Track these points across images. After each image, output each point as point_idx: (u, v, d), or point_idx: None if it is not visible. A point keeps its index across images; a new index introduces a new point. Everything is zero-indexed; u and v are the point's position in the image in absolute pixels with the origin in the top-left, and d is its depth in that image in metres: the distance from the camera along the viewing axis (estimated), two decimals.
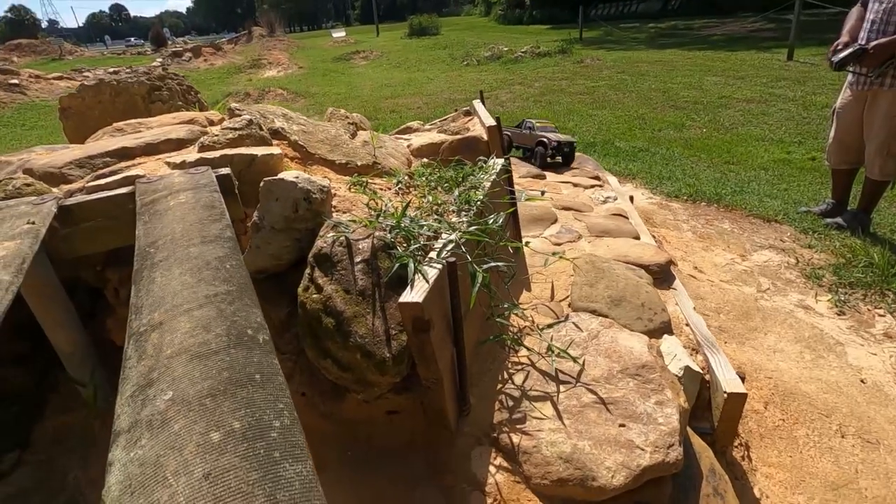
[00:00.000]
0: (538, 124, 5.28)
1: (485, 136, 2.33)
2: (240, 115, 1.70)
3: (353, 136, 2.09)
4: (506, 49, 15.31)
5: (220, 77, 16.84)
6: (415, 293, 0.99)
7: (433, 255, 1.12)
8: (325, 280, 1.20)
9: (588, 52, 14.89)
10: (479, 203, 1.36)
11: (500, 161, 1.64)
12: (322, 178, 1.61)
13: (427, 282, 1.02)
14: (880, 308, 2.86)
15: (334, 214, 1.40)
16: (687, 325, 1.52)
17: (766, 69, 11.06)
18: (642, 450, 1.02)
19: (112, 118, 2.02)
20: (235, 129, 1.64)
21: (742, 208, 4.16)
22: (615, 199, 2.75)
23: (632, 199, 3.06)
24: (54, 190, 1.44)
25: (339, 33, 27.16)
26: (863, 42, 3.48)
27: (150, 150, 1.73)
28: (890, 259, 3.17)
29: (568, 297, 1.53)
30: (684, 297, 1.69)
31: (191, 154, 1.61)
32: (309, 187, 1.34)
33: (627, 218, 2.35)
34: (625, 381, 1.14)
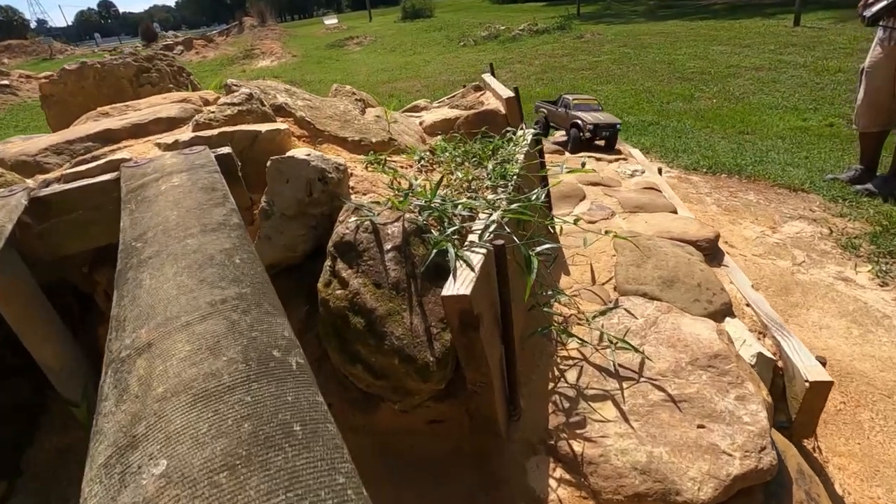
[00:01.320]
0: (575, 101, 4.31)
1: (502, 109, 2.15)
2: (238, 90, 1.52)
3: (363, 112, 1.91)
4: (503, 28, 14.95)
5: (213, 69, 16.52)
6: (460, 284, 0.83)
7: (473, 237, 0.96)
8: (350, 273, 1.04)
9: (587, 27, 14.53)
10: (515, 177, 1.20)
11: (531, 132, 1.47)
12: (334, 155, 1.45)
13: (472, 270, 0.86)
14: None
15: (353, 197, 1.24)
16: (748, 305, 1.36)
17: (773, 36, 10.73)
18: (730, 455, 0.87)
19: (97, 104, 1.84)
20: (234, 104, 1.45)
21: (765, 178, 3.97)
22: (643, 172, 2.57)
23: (660, 171, 2.88)
24: (28, 181, 1.27)
25: (331, 20, 26.66)
26: None
27: (138, 131, 1.56)
28: None
29: (612, 279, 1.37)
30: (739, 274, 1.53)
31: (185, 133, 1.40)
32: (323, 165, 1.18)
33: (660, 191, 2.18)
34: (696, 374, 0.99)
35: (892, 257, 2.84)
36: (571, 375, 1.07)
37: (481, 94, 2.66)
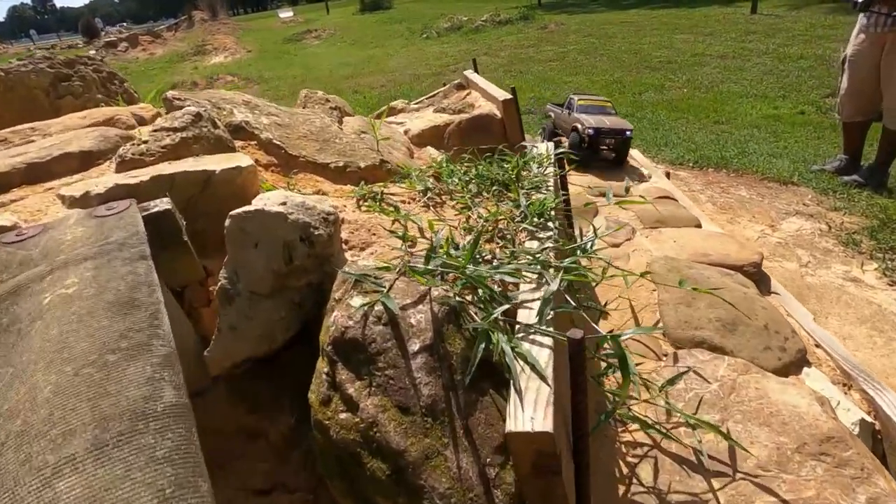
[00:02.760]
0: (580, 102, 3.37)
1: (497, 113, 1.89)
2: (182, 107, 1.17)
3: (340, 124, 1.62)
4: (465, 19, 14.67)
5: (162, 67, 15.60)
6: (532, 410, 0.55)
7: (524, 315, 0.70)
8: (359, 387, 0.73)
9: (550, 16, 14.43)
10: (551, 212, 0.95)
11: (550, 145, 1.23)
12: (314, 191, 1.14)
13: (544, 380, 0.59)
14: None
15: (348, 255, 0.94)
16: (818, 346, 1.17)
17: (733, 24, 10.87)
18: None
19: (4, 122, 1.45)
20: (175, 129, 1.08)
21: (752, 171, 3.87)
22: (650, 177, 2.38)
23: (668, 175, 2.69)
24: None
25: (286, 13, 25.73)
26: None
27: (37, 173, 1.11)
28: None
29: (658, 321, 1.15)
30: (795, 304, 1.34)
31: (103, 177, 1.01)
32: (307, 219, 0.86)
33: (676, 200, 1.99)
34: (809, 467, 0.77)
35: (895, 252, 2.75)
36: (645, 472, 0.83)
37: (466, 94, 2.40)
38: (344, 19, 21.23)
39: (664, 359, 1.05)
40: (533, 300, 0.74)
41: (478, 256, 0.84)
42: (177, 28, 22.53)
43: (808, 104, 5.95)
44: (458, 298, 0.76)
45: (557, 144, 1.29)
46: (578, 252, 0.89)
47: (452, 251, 0.85)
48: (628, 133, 3.07)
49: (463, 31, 13.94)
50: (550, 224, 0.94)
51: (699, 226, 1.73)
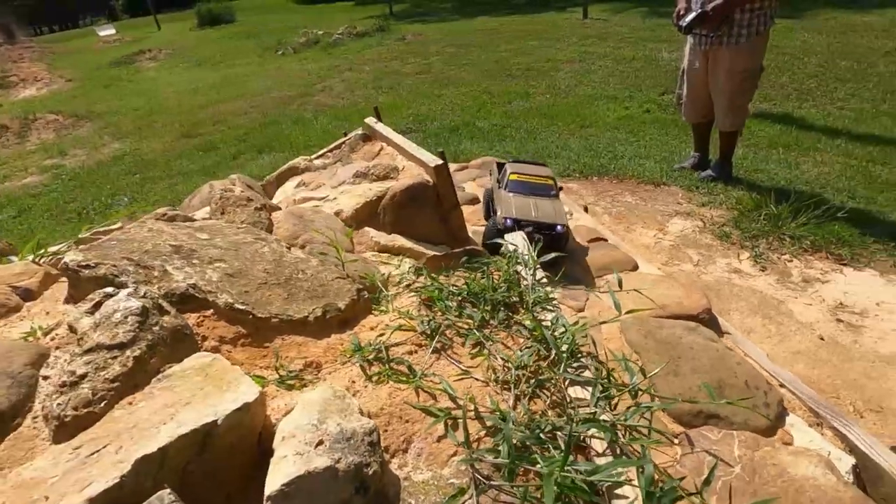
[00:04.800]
0: (512, 176, 2.39)
1: (428, 178, 1.82)
2: (96, 276, 0.82)
3: (271, 225, 1.39)
4: (321, 32, 14.23)
5: None
6: None
7: None
8: None
9: (407, 27, 14.63)
10: (572, 341, 0.90)
11: (525, 242, 1.18)
12: (304, 363, 0.94)
13: None
14: (786, 254, 3.12)
15: (393, 465, 0.75)
16: (782, 386, 1.30)
17: (571, 28, 11.97)
18: None
19: None
20: (122, 345, 0.76)
21: (630, 176, 4.29)
22: (570, 213, 2.48)
23: (586, 209, 2.83)
24: None
25: (107, 30, 22.57)
26: (698, 7, 3.69)
27: None
28: (758, 200, 3.48)
29: (646, 392, 1.18)
30: (749, 345, 1.48)
31: (54, 483, 0.61)
32: (357, 458, 0.66)
33: (605, 239, 2.09)
34: None
35: (757, 239, 3.24)
36: None
37: (380, 150, 2.28)
38: (181, 36, 19.27)
39: (676, 441, 1.08)
40: (615, 480, 0.69)
41: (539, 433, 0.77)
42: None
43: (650, 102, 6.76)
44: None
45: (531, 239, 1.25)
46: (635, 396, 0.86)
47: (518, 433, 0.76)
48: (559, 229, 2.14)
49: (321, 45, 13.50)
50: (584, 361, 0.91)
51: (637, 268, 1.85)
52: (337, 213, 1.70)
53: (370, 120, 2.54)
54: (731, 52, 3.69)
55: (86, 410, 0.73)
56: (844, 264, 2.94)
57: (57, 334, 0.92)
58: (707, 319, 1.48)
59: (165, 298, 0.92)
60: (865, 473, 1.12)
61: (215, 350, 0.92)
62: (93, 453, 0.63)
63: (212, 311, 0.97)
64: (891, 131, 4.80)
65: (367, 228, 1.68)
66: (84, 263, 0.96)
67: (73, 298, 1.01)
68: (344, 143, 2.54)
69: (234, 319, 0.98)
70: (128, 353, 0.79)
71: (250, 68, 12.44)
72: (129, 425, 0.67)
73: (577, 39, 10.80)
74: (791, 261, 3.06)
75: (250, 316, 0.99)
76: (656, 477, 0.77)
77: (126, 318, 0.82)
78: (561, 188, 2.42)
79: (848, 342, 2.39)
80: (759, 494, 0.94)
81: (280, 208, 1.71)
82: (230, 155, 6.76)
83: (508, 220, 2.02)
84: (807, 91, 6.17)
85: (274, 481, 0.60)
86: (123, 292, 0.85)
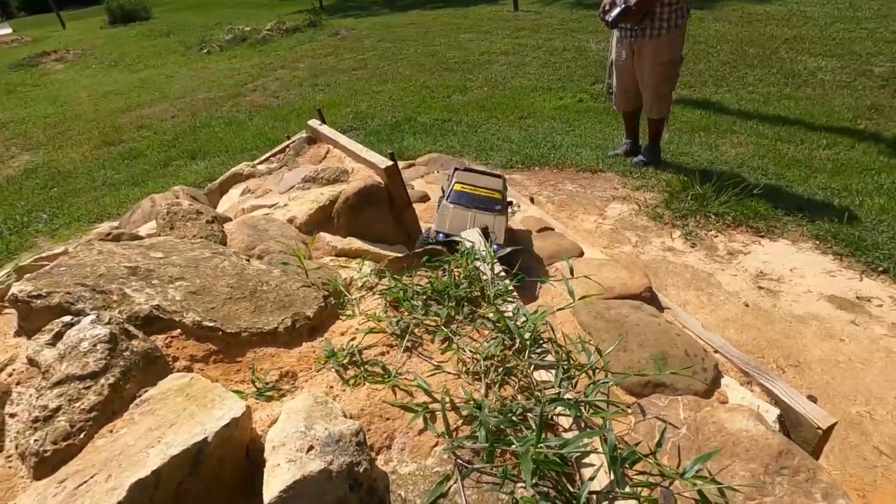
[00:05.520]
0: (457, 185, 2.14)
1: (380, 180, 1.85)
2: (49, 306, 0.76)
3: (225, 237, 1.36)
4: (248, 28, 13.66)
5: None
6: None
7: (597, 479, 0.70)
8: None
9: (338, 22, 14.34)
10: (534, 329, 0.97)
11: (480, 238, 1.24)
12: (279, 374, 0.95)
13: None
14: (712, 230, 3.40)
15: (379, 461, 0.79)
16: (716, 352, 1.45)
17: (503, 21, 12.19)
18: None
19: None
20: (94, 374, 0.73)
21: (570, 165, 4.48)
22: (518, 206, 2.57)
23: (532, 199, 2.93)
24: None
25: (2, 29, 20.52)
26: (622, 2, 3.91)
27: None
28: (685, 182, 3.77)
29: (601, 370, 1.28)
30: (685, 316, 1.62)
31: None
32: (348, 458, 0.70)
33: (553, 229, 2.21)
34: (780, 486, 0.97)
35: (687, 218, 3.50)
36: None
37: (327, 153, 2.27)
38: (90, 35, 17.84)
39: (629, 411, 1.19)
40: (582, 451, 0.78)
41: (511, 416, 0.83)
42: None
43: (583, 92, 7.04)
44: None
45: (487, 235, 1.30)
46: (592, 374, 0.94)
47: (493, 418, 0.82)
48: (493, 248, 1.85)
49: (249, 42, 12.96)
50: (545, 346, 0.98)
51: (582, 253, 1.97)
52: (290, 220, 1.69)
53: (314, 122, 2.51)
54: (653, 45, 3.93)
55: (65, 443, 0.71)
56: (762, 236, 3.25)
57: (14, 369, 0.88)
58: (649, 297, 1.62)
59: (129, 322, 0.90)
60: (788, 421, 1.28)
61: (188, 369, 0.92)
62: (80, 485, 0.62)
63: (179, 330, 0.96)
64: (794, 112, 5.29)
65: (322, 234, 1.68)
66: (35, 293, 0.91)
67: (24, 331, 0.96)
68: (288, 146, 2.50)
69: (203, 337, 0.98)
70: (102, 381, 0.78)
71: (173, 68, 11.76)
72: (116, 453, 0.67)
73: (509, 32, 11.03)
74: (717, 236, 3.34)
75: (220, 332, 0.99)
76: (617, 444, 0.86)
77: (95, 346, 0.80)
78: (510, 203, 2.20)
79: (769, 306, 2.66)
80: (703, 449, 1.07)
81: (231, 219, 1.68)
82: (159, 162, 6.39)
83: (440, 234, 1.88)
84: (721, 77, 6.66)
85: (272, 489, 0.63)
86: (86, 320, 0.83)
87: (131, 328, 0.87)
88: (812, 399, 1.29)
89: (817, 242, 3.12)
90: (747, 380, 1.37)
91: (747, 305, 2.68)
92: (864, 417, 2.01)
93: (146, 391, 0.80)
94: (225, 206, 2.37)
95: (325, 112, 6.37)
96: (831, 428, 1.22)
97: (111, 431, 0.74)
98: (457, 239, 1.64)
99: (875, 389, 2.12)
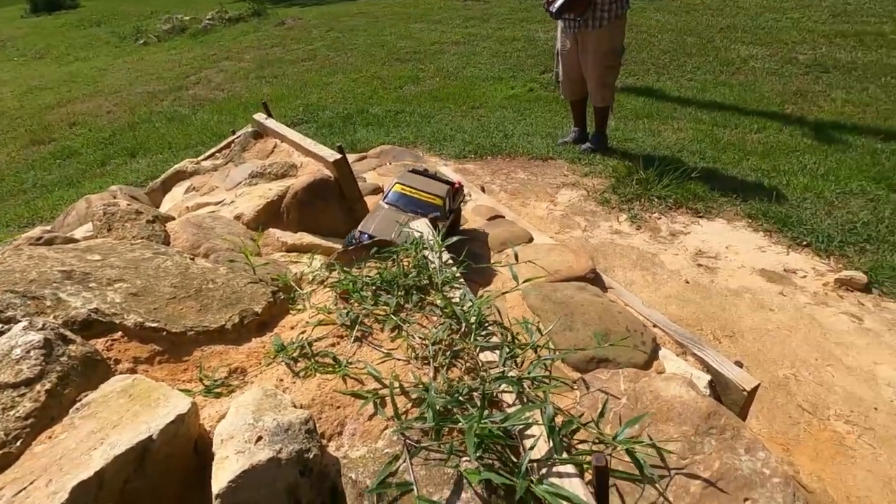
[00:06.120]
0: (398, 186, 2.00)
1: (329, 173, 1.84)
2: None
3: (167, 237, 1.32)
4: (187, 18, 13.03)
5: None
6: None
7: (539, 448, 0.74)
8: None
9: (284, 11, 13.91)
10: (479, 312, 1.00)
11: (429, 228, 1.26)
12: (228, 371, 0.94)
13: None
14: (655, 213, 3.56)
15: (331, 447, 0.81)
16: (655, 326, 1.54)
17: (453, 10, 12.17)
18: None
19: None
20: (29, 381, 0.72)
21: (521, 154, 4.57)
22: (469, 195, 2.62)
23: (483, 189, 2.97)
24: None
25: None
26: None
27: None
28: (630, 167, 3.93)
29: (547, 345, 1.35)
30: (627, 294, 1.72)
31: None
32: (297, 446, 0.71)
33: (503, 216, 2.26)
34: (708, 444, 1.06)
35: (632, 202, 3.65)
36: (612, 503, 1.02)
37: (274, 147, 2.23)
38: (8, 25, 16.52)
39: (574, 386, 1.26)
40: (524, 423, 0.82)
41: (458, 396, 0.87)
42: None
43: (533, 82, 7.15)
44: (493, 473, 0.75)
45: (435, 224, 1.32)
46: (536, 352, 0.99)
47: (440, 399, 0.85)
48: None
49: (189, 32, 12.38)
50: (491, 329, 1.03)
51: (532, 239, 2.04)
52: (237, 217, 1.66)
53: (259, 116, 2.46)
54: (595, 35, 4.05)
55: (1, 452, 0.69)
56: (700, 217, 3.44)
57: None
58: (593, 278, 1.70)
59: (66, 327, 0.87)
60: (718, 386, 1.40)
61: (131, 371, 0.90)
62: (20, 491, 0.61)
63: (120, 333, 0.94)
64: (728, 98, 5.59)
65: (271, 230, 1.66)
66: None
67: None
68: (233, 141, 2.43)
69: (146, 338, 0.96)
70: (37, 387, 0.75)
71: (106, 60, 11.08)
72: (56, 457, 0.66)
73: (459, 21, 11.03)
74: (660, 218, 3.51)
75: (164, 332, 0.98)
76: (558, 416, 0.92)
77: (28, 352, 0.77)
78: (455, 210, 2.08)
79: (707, 282, 2.83)
80: (643, 420, 1.15)
81: (173, 218, 1.63)
82: (96, 161, 6.05)
83: (364, 236, 1.77)
84: (662, 66, 6.93)
85: (220, 480, 0.64)
86: (17, 327, 0.80)
87: (68, 333, 0.84)
88: (739, 364, 1.41)
89: (750, 221, 3.34)
90: (682, 350, 1.48)
91: (687, 282, 2.84)
92: (789, 379, 2.19)
93: (87, 395, 0.79)
94: (168, 205, 2.29)
95: (275, 105, 6.19)
96: (755, 389, 1.34)
97: (50, 437, 0.72)
98: (385, 241, 1.54)
99: (800, 353, 2.31)
